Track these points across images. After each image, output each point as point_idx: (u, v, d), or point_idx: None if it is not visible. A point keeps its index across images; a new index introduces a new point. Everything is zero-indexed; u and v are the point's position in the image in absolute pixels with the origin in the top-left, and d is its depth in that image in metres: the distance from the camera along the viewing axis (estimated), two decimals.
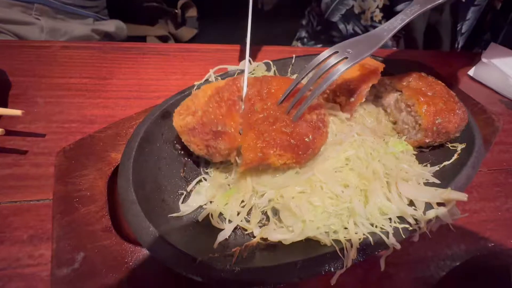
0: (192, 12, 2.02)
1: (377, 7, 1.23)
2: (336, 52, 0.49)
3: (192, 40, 1.96)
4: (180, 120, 0.50)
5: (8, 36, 1.04)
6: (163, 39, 1.84)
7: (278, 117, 0.50)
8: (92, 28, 1.25)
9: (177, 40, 1.91)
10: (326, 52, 0.50)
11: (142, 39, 1.74)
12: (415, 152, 0.61)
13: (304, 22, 1.56)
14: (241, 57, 0.76)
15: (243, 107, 0.53)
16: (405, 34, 1.28)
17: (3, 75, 0.73)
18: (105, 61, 0.83)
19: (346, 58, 0.48)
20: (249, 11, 0.72)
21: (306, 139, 0.48)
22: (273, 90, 0.54)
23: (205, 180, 0.54)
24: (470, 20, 1.23)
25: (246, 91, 0.55)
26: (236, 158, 0.53)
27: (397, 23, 0.53)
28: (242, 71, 0.72)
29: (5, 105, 0.69)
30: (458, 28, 1.23)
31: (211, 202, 0.51)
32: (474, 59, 1.01)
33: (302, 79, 0.51)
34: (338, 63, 0.48)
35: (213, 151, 0.49)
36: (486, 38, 1.27)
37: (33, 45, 0.85)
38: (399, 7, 1.19)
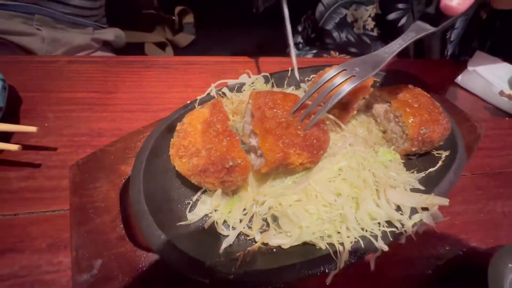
0: (189, 19, 2.07)
1: (369, 16, 1.29)
2: (344, 69, 0.56)
3: (189, 46, 2.00)
4: (185, 163, 0.52)
5: (12, 48, 1.07)
6: (161, 45, 1.88)
7: (290, 122, 0.56)
8: (92, 37, 1.29)
9: (175, 46, 1.95)
10: (335, 70, 0.57)
11: (140, 45, 1.77)
12: (403, 161, 0.66)
13: (300, 28, 1.61)
14: (239, 69, 0.80)
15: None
16: None
17: (13, 91, 0.77)
18: (110, 75, 0.88)
19: (354, 76, 0.54)
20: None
21: (318, 140, 0.55)
22: (279, 101, 0.59)
23: (209, 190, 0.59)
24: (458, 29, 1.29)
25: (253, 102, 0.60)
26: (255, 162, 0.58)
27: (396, 47, 0.59)
28: (241, 85, 0.77)
29: (17, 120, 0.73)
30: (447, 36, 1.30)
31: (215, 210, 0.56)
32: (461, 67, 1.07)
33: (314, 92, 0.57)
34: (346, 80, 0.55)
35: (229, 184, 0.52)
36: (474, 45, 1.33)
37: (40, 60, 0.89)
38: (390, 16, 1.25)
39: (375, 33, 1.31)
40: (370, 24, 1.31)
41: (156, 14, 1.89)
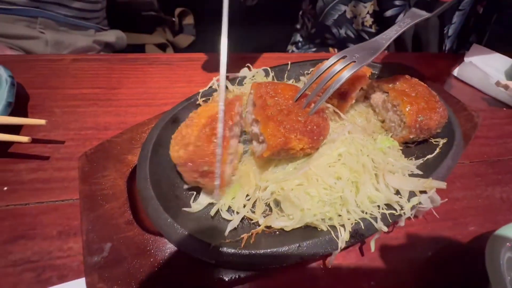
0: (189, 20, 2.10)
1: (368, 12, 1.31)
2: (345, 56, 0.58)
3: (189, 47, 2.03)
4: (175, 152, 0.54)
5: (17, 51, 1.10)
6: (162, 46, 1.91)
7: (291, 109, 0.58)
8: (93, 39, 1.32)
9: (175, 47, 1.98)
10: (336, 56, 0.59)
11: (141, 47, 1.80)
12: (401, 148, 0.68)
13: (298, 26, 1.63)
14: (240, 64, 0.82)
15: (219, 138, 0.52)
16: (395, 39, 1.36)
17: (21, 88, 0.79)
18: (114, 72, 0.90)
19: (354, 62, 0.56)
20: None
21: (318, 126, 0.57)
22: (280, 91, 0.61)
23: None
24: (455, 24, 1.31)
25: (255, 92, 0.62)
26: (253, 147, 0.59)
27: (392, 33, 0.61)
28: (242, 78, 0.79)
29: (25, 115, 0.75)
30: (445, 31, 1.31)
31: None
32: (458, 60, 1.09)
33: (316, 79, 0.59)
34: (347, 66, 0.57)
35: (203, 186, 0.55)
36: (472, 40, 1.35)
37: (46, 59, 0.91)
38: (388, 13, 1.27)
39: (373, 30, 1.33)
40: (369, 20, 1.33)
41: (156, 15, 1.92)
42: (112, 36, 1.45)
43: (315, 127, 0.56)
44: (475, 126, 0.77)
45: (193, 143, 0.52)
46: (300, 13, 1.58)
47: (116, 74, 0.90)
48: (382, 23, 1.30)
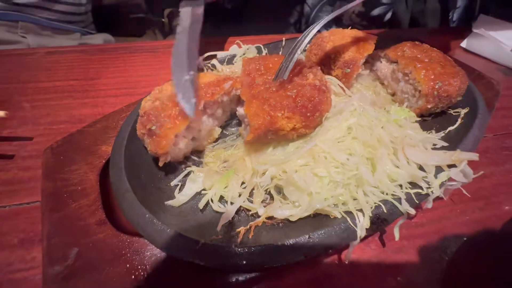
0: (179, 21, 2.02)
1: (353, 12, 1.26)
2: None
3: None
4: (145, 101, 0.49)
5: None
6: None
7: (281, 85, 0.49)
8: (79, 42, 1.24)
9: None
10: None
11: None
12: (418, 119, 0.59)
13: (292, 21, 1.57)
14: (230, 46, 0.74)
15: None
16: (391, 25, 1.29)
17: None
18: (91, 62, 0.81)
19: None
20: None
21: (312, 100, 0.47)
22: (270, 65, 0.52)
23: (193, 172, 0.51)
24: (460, 8, 1.24)
25: (243, 68, 0.53)
26: (242, 130, 0.50)
27: None
28: (232, 56, 0.70)
29: None
30: (450, 17, 1.24)
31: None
32: (464, 33, 1.00)
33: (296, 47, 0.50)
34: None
35: (146, 145, 0.48)
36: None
37: (17, 53, 0.83)
38: (374, 12, 1.23)
39: (361, 28, 1.28)
40: (355, 19, 1.28)
41: (145, 17, 1.85)
42: (99, 39, 1.37)
43: (309, 100, 0.47)
44: (496, 94, 0.68)
45: (162, 100, 0.46)
46: (296, 9, 1.53)
47: (94, 64, 0.81)
48: (369, 22, 1.27)
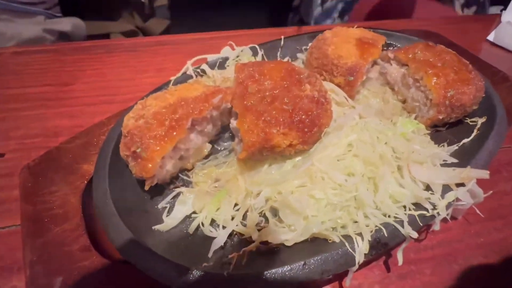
0: (162, 1, 2.08)
1: None
2: None
3: (164, 33, 2.01)
4: (127, 119, 0.54)
5: None
6: (130, 34, 1.88)
7: (276, 95, 0.55)
8: (43, 27, 1.30)
9: (147, 34, 1.95)
10: None
11: (105, 37, 1.78)
12: (429, 131, 0.66)
13: (290, 16, 1.70)
14: (222, 46, 0.80)
15: None
16: None
17: None
18: (65, 64, 0.88)
19: None
20: None
21: (310, 115, 0.53)
22: (266, 71, 0.59)
23: (182, 194, 0.58)
24: None
25: (236, 76, 0.60)
26: (235, 145, 0.57)
27: None
28: (224, 60, 0.77)
29: None
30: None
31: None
32: (492, 23, 1.07)
33: None
34: None
35: (130, 167, 0.53)
36: None
37: None
38: None
39: None
40: None
41: None
42: (67, 24, 1.42)
43: (306, 115, 0.53)
44: None
45: (147, 118, 0.52)
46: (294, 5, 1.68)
47: (68, 67, 0.88)
48: None
